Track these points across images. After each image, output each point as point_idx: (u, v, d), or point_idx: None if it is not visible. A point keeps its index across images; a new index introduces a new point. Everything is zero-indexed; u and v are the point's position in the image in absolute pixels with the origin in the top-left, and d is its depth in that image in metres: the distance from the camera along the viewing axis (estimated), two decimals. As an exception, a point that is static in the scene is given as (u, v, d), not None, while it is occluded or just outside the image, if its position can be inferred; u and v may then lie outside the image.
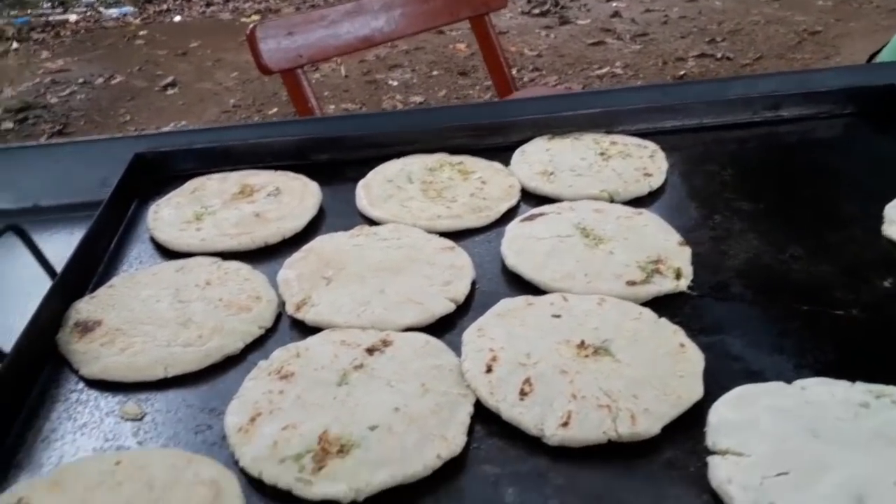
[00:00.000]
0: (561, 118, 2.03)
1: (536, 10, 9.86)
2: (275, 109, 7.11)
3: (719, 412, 1.12)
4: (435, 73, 7.83)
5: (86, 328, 1.32)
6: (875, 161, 1.91)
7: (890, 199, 1.68)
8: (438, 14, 3.73)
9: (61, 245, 1.72)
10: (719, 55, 7.71)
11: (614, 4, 9.82)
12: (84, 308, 1.38)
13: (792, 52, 7.68)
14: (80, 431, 1.16)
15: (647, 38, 8.47)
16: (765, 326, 1.36)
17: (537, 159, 1.91)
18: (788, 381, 1.19)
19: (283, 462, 1.04)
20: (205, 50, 8.90)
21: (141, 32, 9.84)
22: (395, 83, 7.63)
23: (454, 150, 1.98)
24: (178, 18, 10.72)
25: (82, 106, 7.35)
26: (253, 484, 1.05)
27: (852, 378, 1.18)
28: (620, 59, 7.86)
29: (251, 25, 2.94)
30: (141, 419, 1.17)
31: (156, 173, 1.91)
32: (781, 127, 2.12)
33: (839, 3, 8.90)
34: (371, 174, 1.87)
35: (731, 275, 1.50)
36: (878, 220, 1.64)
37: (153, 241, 1.66)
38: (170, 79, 7.97)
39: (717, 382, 1.20)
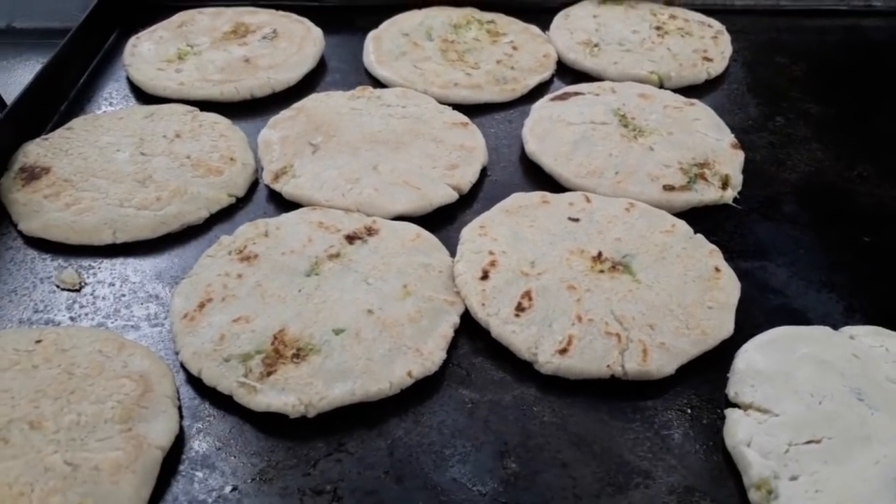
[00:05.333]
0: (616, -22, 1.73)
1: None
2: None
3: (748, 357, 0.94)
4: None
5: (32, 175, 1.15)
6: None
7: None
8: None
9: (30, 75, 1.53)
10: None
11: None
12: (33, 151, 1.20)
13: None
14: (9, 298, 1.01)
15: None
16: (816, 256, 1.15)
17: (582, 26, 1.63)
18: (835, 326, 1.00)
19: (227, 361, 0.89)
20: None
21: None
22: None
23: (486, 6, 1.70)
24: None
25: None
26: (191, 382, 0.91)
27: (911, 331, 0.99)
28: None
29: None
30: (79, 290, 1.03)
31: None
32: (870, 20, 1.79)
33: None
34: (385, 25, 1.61)
35: (786, 190, 1.27)
36: (969, 140, 1.38)
37: (129, 80, 1.46)
38: None
39: (750, 319, 1.02)
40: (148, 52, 1.47)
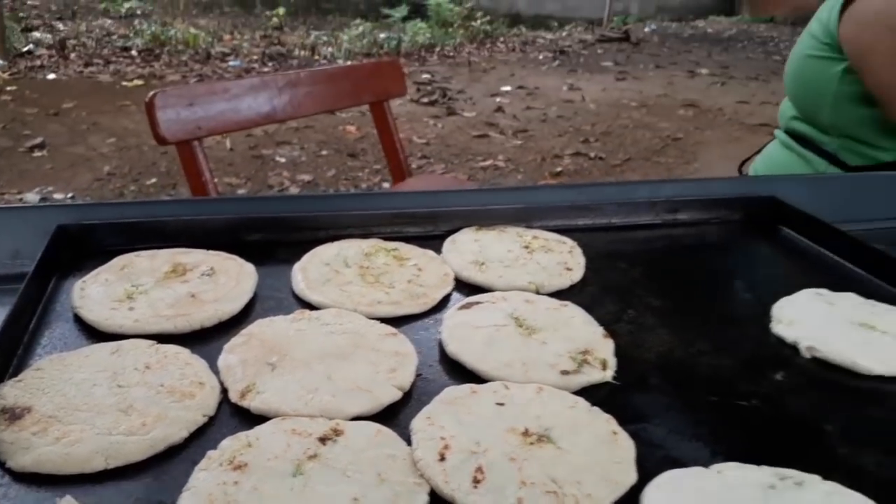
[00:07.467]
0: (489, 211, 2.17)
1: (426, 100, 10.36)
2: (153, 180, 6.79)
3: (651, 496, 1.22)
4: (324, 152, 7.86)
5: (14, 415, 1.25)
6: (761, 264, 2.16)
7: (776, 300, 1.90)
8: (342, 97, 3.81)
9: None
10: (592, 154, 8.36)
11: (498, 100, 10.54)
12: (10, 393, 1.30)
13: (657, 156, 8.46)
14: (14, 535, 1.08)
15: (527, 135, 9.08)
16: (682, 416, 1.48)
17: (468, 249, 2.01)
18: (706, 465, 1.31)
19: (245, 559, 1.02)
20: (80, 112, 8.07)
21: (9, 88, 9.16)
22: (283, 160, 7.51)
23: (387, 237, 2.05)
24: (52, 76, 9.86)
25: (-64, 163, 6.75)
26: (213, 581, 1.02)
27: (758, 462, 1.31)
28: (503, 153, 8.32)
29: (151, 93, 2.86)
30: (83, 517, 1.12)
31: (79, 247, 1.85)
32: (679, 229, 2.35)
33: (697, 114, 9.96)
34: (307, 257, 1.90)
35: (649, 367, 1.63)
36: (768, 318, 1.84)
37: (78, 320, 1.60)
38: (38, 140, 7.25)
39: (643, 468, 1.30)
40: (97, 295, 1.63)
